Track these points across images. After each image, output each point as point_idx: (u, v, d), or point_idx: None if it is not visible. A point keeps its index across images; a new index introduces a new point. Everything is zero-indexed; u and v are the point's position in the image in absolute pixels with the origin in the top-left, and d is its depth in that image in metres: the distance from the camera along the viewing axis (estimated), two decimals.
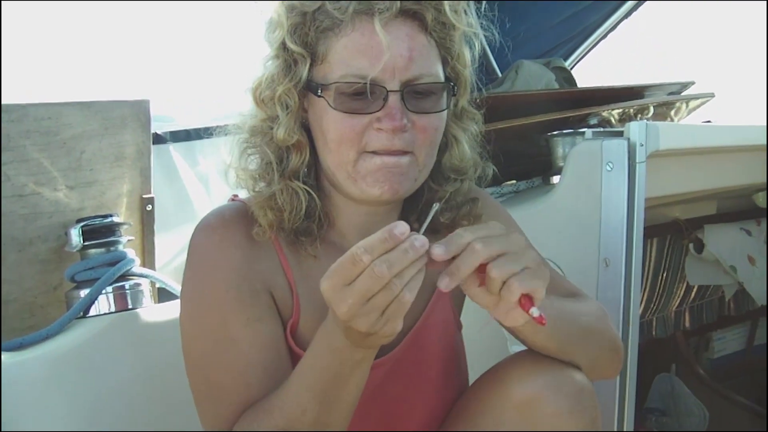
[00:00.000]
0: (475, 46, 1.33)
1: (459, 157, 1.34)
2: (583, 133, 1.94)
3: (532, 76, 2.54)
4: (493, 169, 1.41)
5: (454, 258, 1.05)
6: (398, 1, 1.19)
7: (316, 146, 1.28)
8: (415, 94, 1.22)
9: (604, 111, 2.18)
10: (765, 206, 2.51)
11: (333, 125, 1.22)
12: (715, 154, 2.06)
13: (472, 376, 1.42)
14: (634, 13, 3.31)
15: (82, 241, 1.76)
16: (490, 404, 1.30)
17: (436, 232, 1.29)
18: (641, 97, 2.42)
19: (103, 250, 1.78)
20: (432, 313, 1.40)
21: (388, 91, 1.19)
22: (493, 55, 2.88)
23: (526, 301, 1.07)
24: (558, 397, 1.24)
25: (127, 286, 1.75)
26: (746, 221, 2.59)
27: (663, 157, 1.83)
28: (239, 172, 1.31)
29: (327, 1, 1.21)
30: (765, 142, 2.07)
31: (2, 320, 1.73)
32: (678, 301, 2.62)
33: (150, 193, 1.98)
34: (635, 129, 1.78)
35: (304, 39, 1.23)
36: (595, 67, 3.43)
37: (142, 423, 1.65)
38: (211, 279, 1.26)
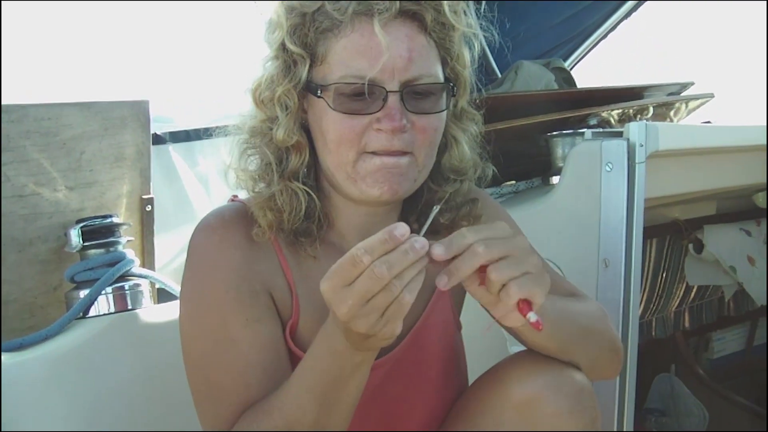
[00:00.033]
0: (474, 46, 1.33)
1: (458, 157, 1.34)
2: (583, 133, 1.95)
3: (532, 77, 2.54)
4: (493, 170, 1.41)
5: (455, 256, 1.05)
6: (397, 2, 1.19)
7: (316, 147, 1.28)
8: (414, 94, 1.22)
9: (603, 111, 2.18)
10: (765, 206, 2.51)
11: (332, 126, 1.22)
12: (715, 155, 2.06)
13: (472, 376, 1.42)
14: (634, 14, 3.31)
15: (81, 242, 1.76)
16: (489, 404, 1.30)
17: (435, 233, 1.29)
18: (641, 97, 2.42)
19: (102, 250, 1.78)
20: (432, 314, 1.40)
21: (387, 92, 1.20)
22: (492, 55, 2.88)
23: (524, 305, 1.06)
24: (558, 397, 1.24)
25: (126, 287, 1.75)
26: (746, 221, 2.59)
27: (662, 158, 1.83)
28: (239, 172, 1.31)
29: (326, 2, 1.21)
30: (764, 143, 2.07)
31: (2, 320, 1.73)
32: (678, 301, 2.62)
33: (150, 193, 1.98)
34: (635, 129, 1.78)
35: (303, 40, 1.23)
36: (594, 67, 3.43)
37: (142, 423, 1.65)
38: (211, 279, 1.26)
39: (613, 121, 2.21)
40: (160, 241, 2.06)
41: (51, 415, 1.55)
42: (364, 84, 1.19)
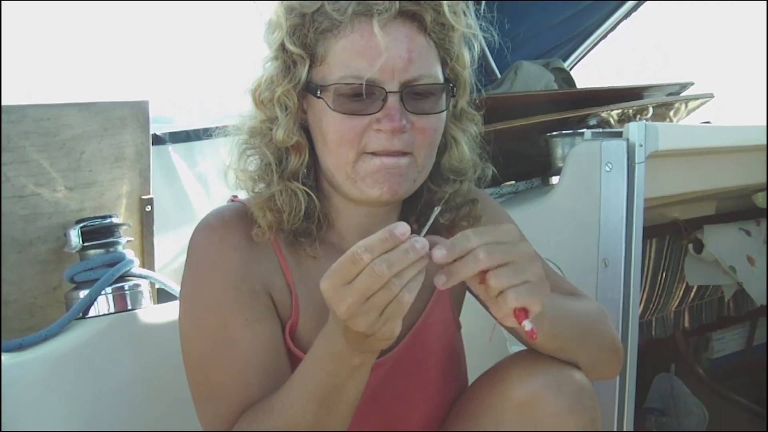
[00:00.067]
0: (474, 47, 1.33)
1: (458, 158, 1.34)
2: (582, 133, 1.94)
3: (531, 77, 2.54)
4: (493, 170, 1.41)
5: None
6: (397, 2, 1.19)
7: (316, 147, 1.28)
8: (414, 95, 1.22)
9: (603, 112, 2.18)
10: (764, 206, 2.52)
11: (332, 126, 1.22)
12: (715, 155, 2.06)
13: (472, 376, 1.42)
14: (634, 14, 3.31)
15: (81, 242, 1.76)
16: (489, 404, 1.30)
17: (435, 233, 1.28)
18: (640, 97, 2.42)
19: (102, 251, 1.78)
20: (432, 313, 1.40)
21: (387, 92, 1.20)
22: (492, 56, 2.87)
23: (521, 312, 1.06)
24: (558, 397, 1.24)
25: (126, 287, 1.75)
26: (745, 221, 2.59)
27: (662, 158, 1.84)
28: (239, 173, 1.31)
29: (326, 2, 1.21)
30: (764, 143, 2.07)
31: (2, 321, 1.73)
32: (677, 301, 2.62)
33: (149, 194, 1.98)
34: (634, 129, 1.78)
35: (303, 40, 1.23)
36: (594, 67, 3.43)
37: (141, 423, 1.66)
38: (211, 280, 1.26)
39: (612, 121, 2.21)
40: (159, 242, 2.06)
41: (51, 415, 1.55)
42: (363, 84, 1.19)
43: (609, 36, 3.36)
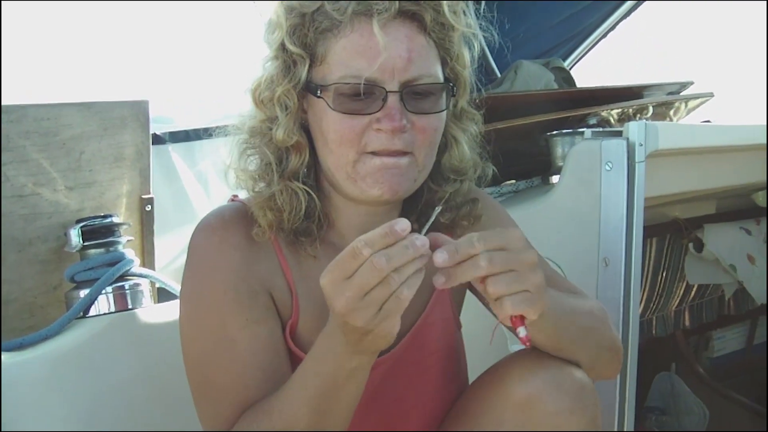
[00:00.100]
0: (474, 46, 1.32)
1: (458, 157, 1.34)
2: (583, 132, 1.95)
3: (531, 77, 2.54)
4: (493, 169, 1.41)
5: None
6: (397, 2, 1.19)
7: (316, 147, 1.28)
8: (414, 94, 1.22)
9: (603, 111, 2.18)
10: (764, 205, 2.52)
11: (332, 126, 1.22)
12: (715, 154, 2.06)
13: (472, 376, 1.42)
14: (634, 13, 3.31)
15: (81, 242, 1.76)
16: (490, 403, 1.30)
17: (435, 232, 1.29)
18: (640, 97, 2.42)
19: (102, 250, 1.78)
20: (431, 313, 1.40)
21: (387, 92, 1.20)
22: (492, 55, 2.88)
23: (517, 319, 1.07)
24: (559, 396, 1.24)
25: (126, 286, 1.75)
26: (746, 220, 2.60)
27: (662, 157, 1.84)
28: (239, 172, 1.31)
29: (326, 2, 1.21)
30: (764, 142, 2.07)
31: (2, 320, 1.73)
32: (678, 300, 2.62)
33: (149, 193, 1.98)
34: (634, 129, 1.78)
35: (303, 40, 1.23)
36: (594, 67, 3.43)
37: (141, 423, 1.65)
38: (210, 280, 1.26)
39: (612, 120, 2.21)
40: (160, 241, 2.06)
41: (51, 414, 1.55)
42: (363, 84, 1.19)
43: (609, 35, 3.36)
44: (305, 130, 1.29)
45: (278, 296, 1.29)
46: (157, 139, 2.40)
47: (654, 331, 2.59)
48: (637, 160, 1.77)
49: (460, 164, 1.35)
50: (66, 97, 1.86)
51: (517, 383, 1.27)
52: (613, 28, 3.33)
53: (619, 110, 2.22)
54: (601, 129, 2.02)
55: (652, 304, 2.53)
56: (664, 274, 2.51)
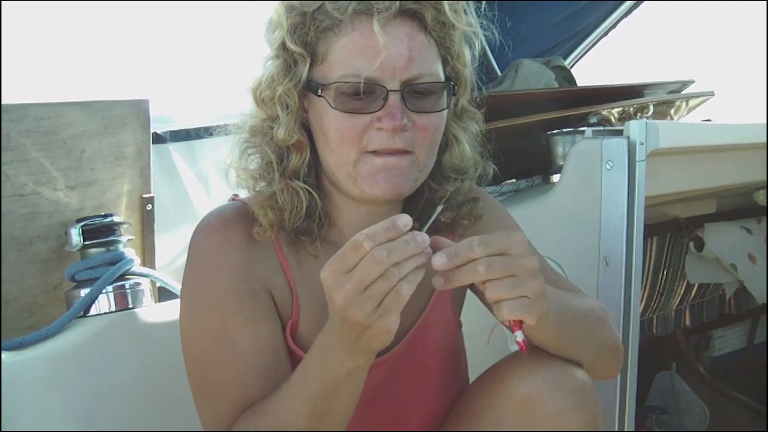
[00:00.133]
0: (474, 45, 1.32)
1: (459, 156, 1.34)
2: (583, 131, 1.95)
3: (532, 75, 2.54)
4: (494, 168, 1.41)
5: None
6: (397, 1, 1.19)
7: (317, 146, 1.28)
8: (415, 93, 1.22)
9: (603, 110, 2.18)
10: (765, 204, 2.52)
11: (333, 125, 1.22)
12: (715, 153, 2.06)
13: (472, 376, 1.42)
14: (634, 12, 3.31)
15: (82, 241, 1.76)
16: (491, 403, 1.30)
17: (436, 231, 1.28)
18: (641, 95, 2.42)
19: (103, 249, 1.78)
20: (432, 313, 1.40)
21: (388, 91, 1.19)
22: (493, 54, 2.88)
23: (515, 323, 1.08)
24: (559, 395, 1.24)
25: (127, 286, 1.75)
26: (746, 219, 2.60)
27: (663, 156, 1.84)
28: (239, 171, 1.31)
29: (327, 1, 1.21)
30: (765, 140, 2.07)
31: (2, 320, 1.73)
32: (678, 299, 2.62)
33: (150, 192, 1.98)
34: (635, 128, 1.78)
35: (303, 39, 1.23)
36: (595, 65, 3.43)
37: (141, 423, 1.65)
38: (211, 279, 1.26)
39: (613, 119, 2.21)
40: (160, 240, 2.06)
41: (51, 414, 1.54)
42: (364, 83, 1.19)
43: (609, 34, 3.36)
44: (306, 129, 1.28)
45: (279, 296, 1.29)
46: (158, 138, 2.40)
47: (654, 331, 2.59)
48: (637, 159, 1.77)
49: (460, 163, 1.34)
50: (66, 96, 1.86)
51: (517, 383, 1.27)
52: (613, 26, 3.34)
53: (620, 109, 2.22)
54: (601, 128, 2.02)
55: (652, 303, 2.53)
56: (664, 273, 2.51)
